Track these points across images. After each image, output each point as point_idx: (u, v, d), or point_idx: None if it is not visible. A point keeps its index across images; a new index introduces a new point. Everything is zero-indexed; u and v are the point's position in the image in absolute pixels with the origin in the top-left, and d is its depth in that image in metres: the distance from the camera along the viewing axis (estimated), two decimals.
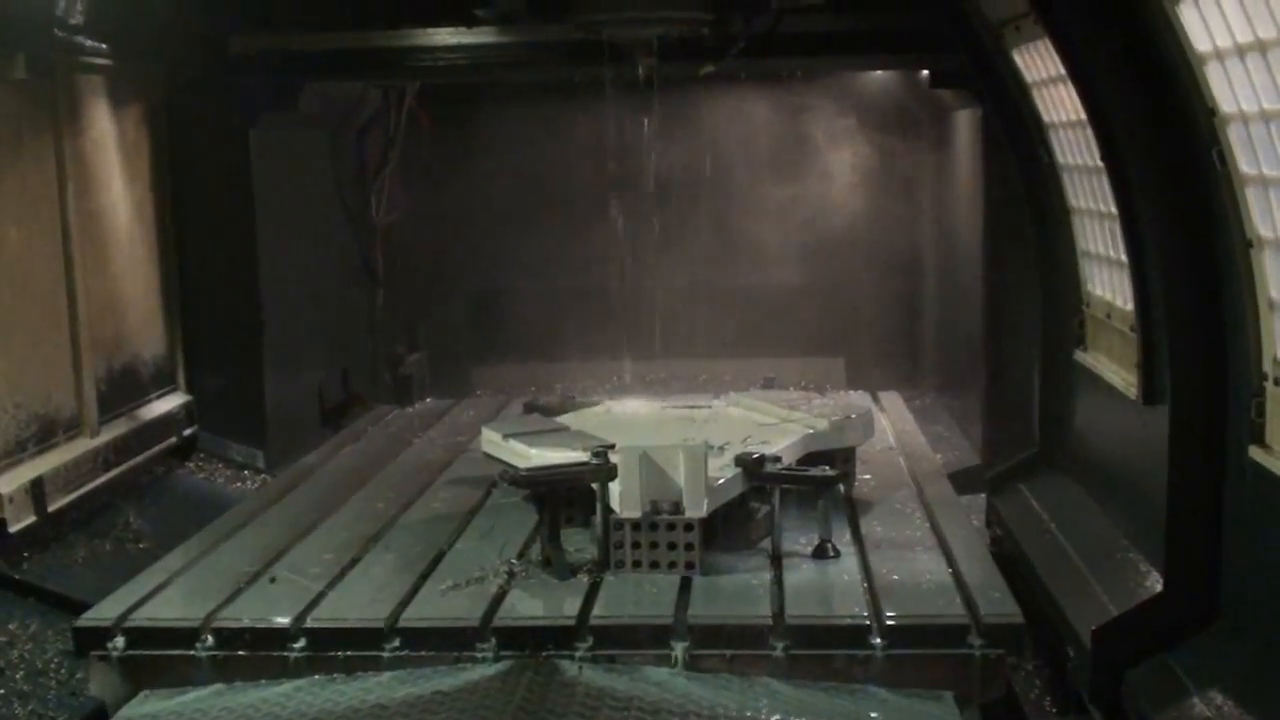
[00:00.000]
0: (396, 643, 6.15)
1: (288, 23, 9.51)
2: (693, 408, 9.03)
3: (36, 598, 7.38)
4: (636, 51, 8.69)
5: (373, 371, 12.45)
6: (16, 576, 7.50)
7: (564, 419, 8.48)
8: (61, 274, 8.49)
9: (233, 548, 7.45)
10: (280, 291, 10.40)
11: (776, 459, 7.15)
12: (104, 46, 8.88)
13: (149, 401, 9.59)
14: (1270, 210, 4.89)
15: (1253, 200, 5.00)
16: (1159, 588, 5.93)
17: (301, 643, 6.19)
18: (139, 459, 9.16)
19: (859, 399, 10.57)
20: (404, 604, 6.44)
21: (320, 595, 6.60)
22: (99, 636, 6.28)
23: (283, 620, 6.29)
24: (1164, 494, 5.81)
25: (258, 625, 6.27)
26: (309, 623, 6.28)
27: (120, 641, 6.25)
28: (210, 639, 6.22)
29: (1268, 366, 5.14)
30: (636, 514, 6.71)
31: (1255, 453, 5.22)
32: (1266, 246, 5.00)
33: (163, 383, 9.87)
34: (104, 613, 6.45)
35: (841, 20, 9.25)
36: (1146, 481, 6.19)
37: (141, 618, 6.39)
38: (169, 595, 6.70)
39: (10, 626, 7.04)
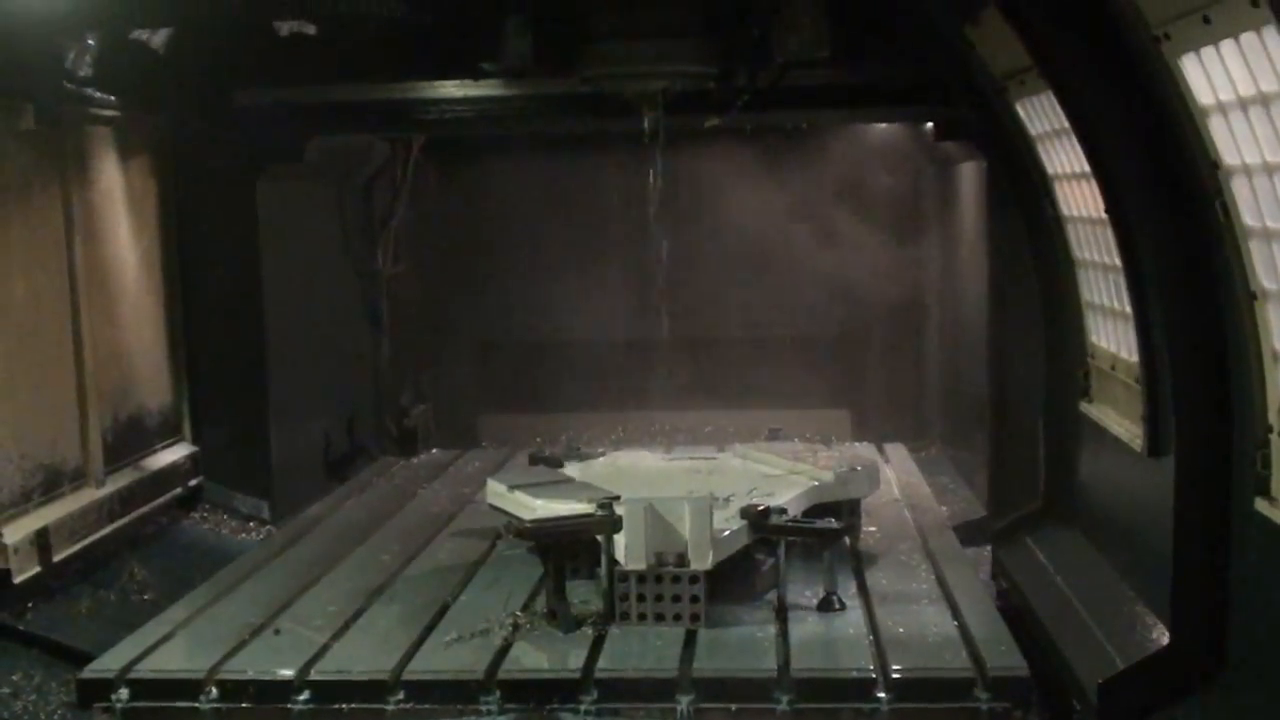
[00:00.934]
0: (401, 695, 6.13)
1: (294, 75, 9.55)
2: (698, 459, 9.02)
3: (40, 648, 7.34)
4: (642, 105, 8.72)
5: (378, 422, 12.44)
6: (20, 627, 7.46)
7: (569, 470, 8.48)
8: (68, 324, 8.50)
9: (237, 599, 7.44)
10: (286, 342, 10.41)
11: (782, 511, 7.14)
12: (112, 98, 8.93)
13: (154, 452, 9.58)
14: (1274, 263, 4.89)
15: (1256, 253, 5.00)
16: (1165, 641, 5.90)
17: (305, 695, 6.17)
18: (144, 509, 9.14)
19: (864, 451, 10.57)
20: (408, 656, 6.43)
21: (324, 647, 6.59)
22: (103, 688, 6.26)
23: (287, 672, 6.27)
24: (1170, 546, 5.78)
25: (262, 677, 6.26)
26: (313, 675, 6.26)
27: (124, 693, 6.23)
28: (214, 691, 6.20)
29: (1272, 418, 5.13)
30: (641, 566, 6.70)
31: (1261, 505, 5.20)
32: (1271, 299, 5.00)
33: (168, 433, 9.87)
34: (108, 664, 6.43)
35: (847, 73, 9.23)
36: (1152, 534, 6.17)
37: (145, 669, 6.38)
38: (173, 647, 6.69)
39: (14, 678, 7.01)
